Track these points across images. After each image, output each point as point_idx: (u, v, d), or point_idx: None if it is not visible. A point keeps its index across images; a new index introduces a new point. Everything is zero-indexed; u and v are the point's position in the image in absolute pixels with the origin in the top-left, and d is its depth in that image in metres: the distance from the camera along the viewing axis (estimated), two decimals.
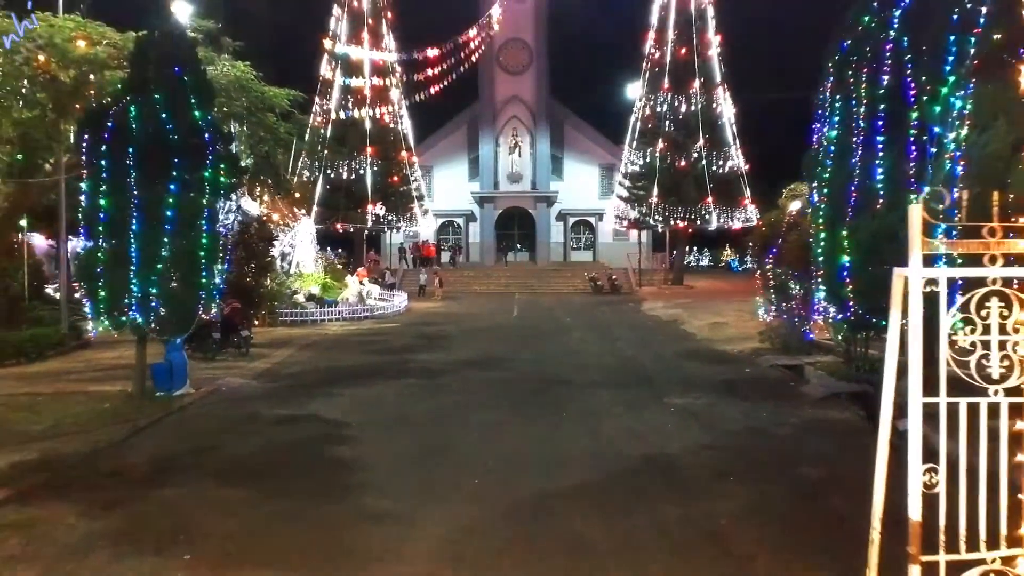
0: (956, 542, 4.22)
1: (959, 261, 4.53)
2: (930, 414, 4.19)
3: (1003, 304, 4.10)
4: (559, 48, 61.13)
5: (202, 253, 14.60)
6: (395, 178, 47.58)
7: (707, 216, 45.11)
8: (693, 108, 45.16)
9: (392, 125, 46.97)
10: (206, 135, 14.71)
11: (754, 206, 45.68)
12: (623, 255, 53.30)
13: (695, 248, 65.77)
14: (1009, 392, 4.10)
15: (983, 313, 4.10)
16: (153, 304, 14.23)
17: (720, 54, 46.18)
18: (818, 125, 13.59)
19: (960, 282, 4.31)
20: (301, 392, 15.73)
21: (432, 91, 44.75)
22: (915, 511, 4.15)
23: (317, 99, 44.33)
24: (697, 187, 44.70)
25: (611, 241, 59.39)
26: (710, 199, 44.61)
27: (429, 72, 44.84)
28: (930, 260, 4.19)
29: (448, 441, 11.89)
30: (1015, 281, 4.06)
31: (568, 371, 18.18)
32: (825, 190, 12.97)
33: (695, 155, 44.82)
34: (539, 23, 58.50)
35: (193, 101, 14.74)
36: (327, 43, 45.79)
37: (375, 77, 45.33)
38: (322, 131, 40.81)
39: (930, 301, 4.16)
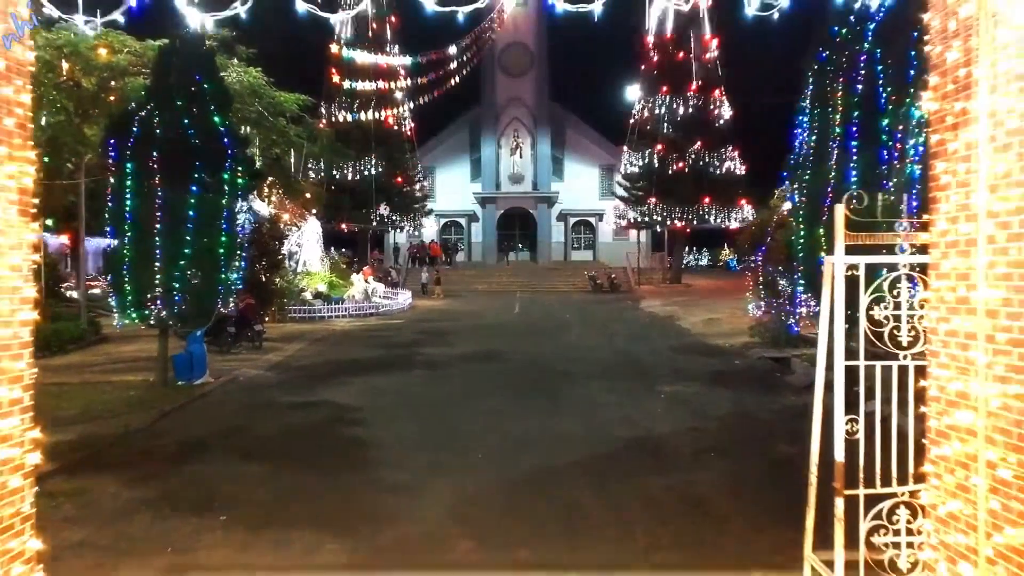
0: (874, 480, 5.16)
1: (883, 251, 5.44)
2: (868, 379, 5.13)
3: (911, 284, 5.03)
4: (560, 51, 62.16)
5: (221, 251, 15.54)
6: (399, 179, 48.57)
7: (704, 216, 46.05)
8: (690, 110, 46.12)
9: (396, 128, 47.99)
10: (224, 139, 15.65)
11: (751, 206, 46.58)
12: (623, 255, 54.26)
13: (694, 248, 66.70)
14: (915, 356, 5.02)
15: (895, 292, 5.03)
16: (176, 298, 15.16)
17: (717, 57, 47.13)
18: (799, 131, 14.50)
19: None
20: (314, 382, 16.67)
21: (435, 94, 45.65)
22: (839, 454, 5.08)
23: (323, 102, 45.32)
24: (694, 188, 45.62)
25: (611, 241, 60.35)
26: (707, 199, 45.53)
27: (432, 75, 45.75)
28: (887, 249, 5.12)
29: (453, 424, 12.83)
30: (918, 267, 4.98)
31: (566, 363, 19.10)
32: (804, 191, 13.88)
33: (692, 156, 45.75)
34: (540, 27, 59.51)
35: (212, 107, 15.68)
36: (334, 47, 46.70)
37: (380, 80, 46.24)
38: (328, 134, 41.72)
39: (855, 283, 5.08)
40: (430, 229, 57.79)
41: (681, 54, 46.55)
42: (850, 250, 5.03)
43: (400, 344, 23.14)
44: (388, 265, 51.51)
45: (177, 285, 15.09)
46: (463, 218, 63.23)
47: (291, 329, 26.34)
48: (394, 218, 48.80)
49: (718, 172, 46.00)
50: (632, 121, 48.60)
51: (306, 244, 35.11)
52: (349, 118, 43.80)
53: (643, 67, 48.57)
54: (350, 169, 45.10)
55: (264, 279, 24.19)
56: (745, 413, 13.46)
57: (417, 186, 50.44)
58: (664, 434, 12.02)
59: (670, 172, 46.00)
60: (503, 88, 60.05)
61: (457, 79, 46.22)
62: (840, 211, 4.98)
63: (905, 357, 5.08)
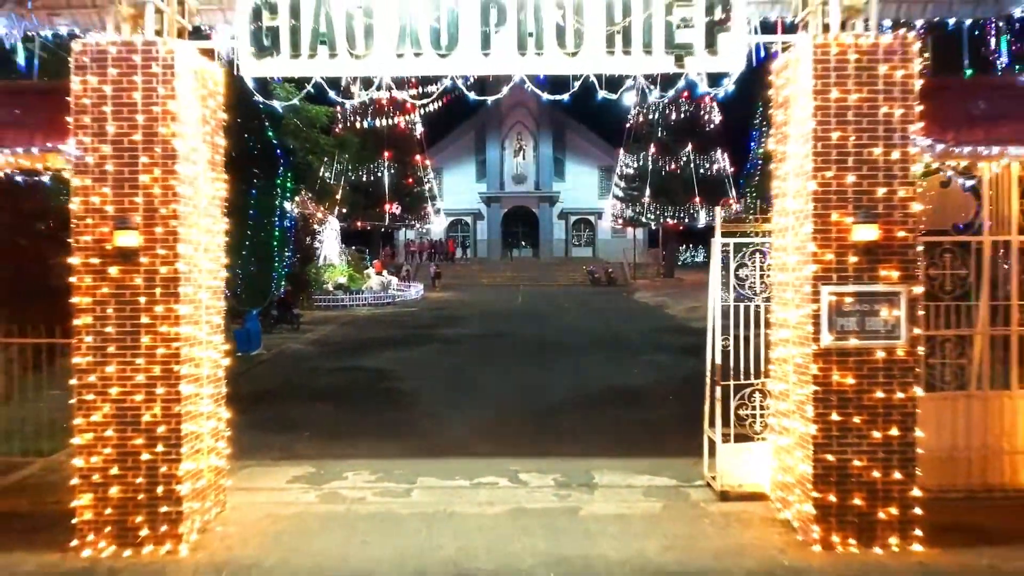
0: (739, 376, 8.33)
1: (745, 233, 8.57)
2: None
3: (762, 255, 8.19)
4: None
5: (274, 243, 18.78)
6: (410, 180, 51.73)
7: (695, 215, 49.08)
8: (682, 115, 49.16)
9: (408, 132, 51.13)
10: (277, 151, 18.87)
11: (739, 205, 49.61)
12: (620, 251, 57.34)
13: (690, 245, 69.59)
14: (765, 300, 8.17)
15: (752, 260, 8.19)
16: (237, 283, 18.38)
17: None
18: (753, 144, 17.73)
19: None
20: (350, 353, 19.89)
21: (444, 101, 48.72)
22: (717, 358, 8.26)
23: (338, 110, 48.50)
24: (686, 188, 48.64)
25: (609, 238, 63.40)
26: (697, 199, 48.56)
27: (440, 83, 48.76)
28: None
29: (467, 380, 16.05)
30: (766, 244, 8.14)
31: (562, 339, 22.29)
32: (754, 193, 17.08)
33: (684, 158, 48.76)
34: None
35: (267, 124, 18.91)
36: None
37: (394, 89, 49.28)
38: (356, 143, 44.78)
39: (736, 254, 8.24)
40: (438, 226, 60.95)
41: None
42: (726, 234, 8.21)
43: (418, 326, 26.35)
44: (400, 260, 54.70)
45: (239, 271, 18.30)
46: (469, 216, 66.34)
47: (319, 315, 29.52)
48: (405, 216, 51.98)
49: (708, 174, 48.97)
50: (628, 125, 51.58)
51: (327, 240, 38.26)
52: (365, 124, 46.87)
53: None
54: (365, 171, 48.20)
55: (299, 270, 27.37)
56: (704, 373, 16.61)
57: (426, 187, 53.59)
58: (636, 386, 15.22)
59: (663, 173, 49.01)
60: (507, 93, 62.96)
61: (464, 87, 49.12)
62: (718, 211, 8.16)
63: (757, 299, 8.26)
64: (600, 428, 11.85)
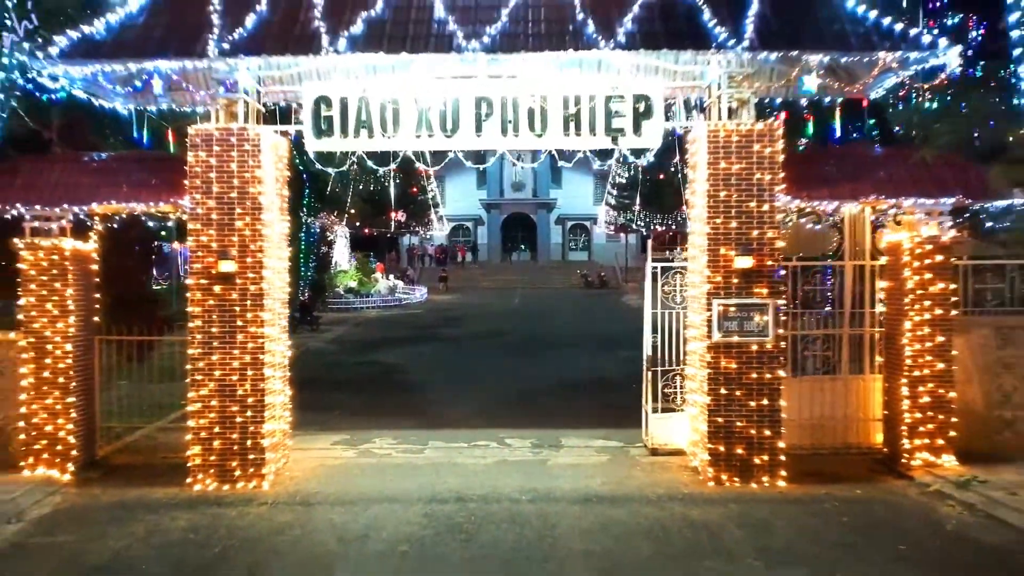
0: (666, 363, 11.33)
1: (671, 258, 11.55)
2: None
3: (682, 274, 11.19)
4: None
5: (300, 256, 21.79)
6: (414, 189, 54.71)
7: (683, 222, 52.07)
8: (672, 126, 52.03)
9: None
10: (303, 175, 21.85)
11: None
12: (614, 255, 60.31)
13: (680, 250, 72.37)
14: (682, 308, 11.17)
15: (674, 279, 11.19)
16: None
17: None
18: None
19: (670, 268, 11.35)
20: (366, 350, 22.94)
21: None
22: (648, 350, 11.27)
23: None
24: (675, 196, 51.59)
25: (604, 243, 66.35)
26: (685, 207, 51.49)
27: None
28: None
29: (469, 371, 19.09)
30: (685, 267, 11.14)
31: (552, 337, 25.30)
32: None
33: (672, 168, 51.72)
34: None
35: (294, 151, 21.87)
36: None
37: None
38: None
39: (663, 275, 11.23)
40: (441, 232, 63.98)
41: None
42: (656, 260, 11.22)
43: (423, 326, 29.40)
44: (404, 264, 57.72)
45: None
46: (470, 222, 69.37)
47: (333, 317, 32.53)
48: (410, 223, 54.99)
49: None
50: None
51: (337, 247, 41.29)
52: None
53: None
54: (373, 182, 51.20)
55: (317, 277, 30.42)
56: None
57: (430, 195, 56.56)
58: (609, 376, 18.21)
59: (652, 182, 51.94)
60: None
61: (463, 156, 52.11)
62: (649, 242, 11.18)
63: (678, 308, 11.27)
64: (573, 407, 14.86)
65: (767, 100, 11.51)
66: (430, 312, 36.18)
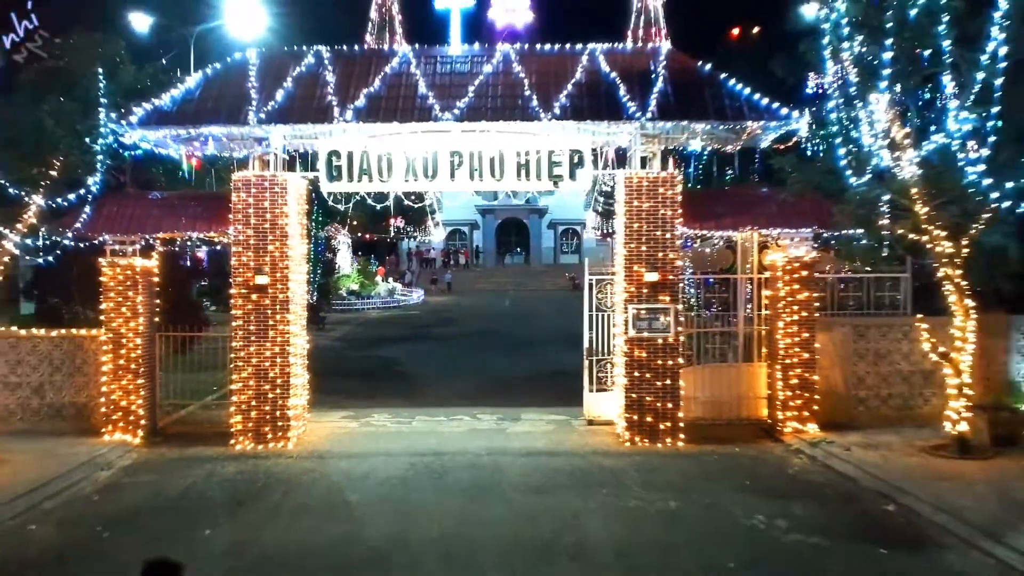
0: (600, 353, 14.56)
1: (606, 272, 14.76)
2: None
3: (611, 285, 14.42)
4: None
5: (309, 263, 24.98)
6: (413, 195, 58.13)
7: None
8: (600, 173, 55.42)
9: None
10: (313, 193, 25.06)
11: None
12: (602, 258, 63.62)
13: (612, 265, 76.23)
14: (611, 311, 14.39)
15: (606, 288, 14.42)
16: None
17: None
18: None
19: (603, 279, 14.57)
20: (367, 346, 26.20)
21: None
22: (586, 342, 14.52)
23: None
24: None
25: (594, 246, 69.46)
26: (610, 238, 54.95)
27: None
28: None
29: (457, 364, 22.36)
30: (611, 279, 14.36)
31: (534, 337, 28.53)
32: None
33: None
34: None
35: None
36: None
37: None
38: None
39: (598, 285, 14.46)
40: (438, 237, 67.29)
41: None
42: (592, 273, 14.46)
43: (420, 326, 32.68)
44: (403, 267, 61.00)
45: None
46: (466, 226, 72.63)
47: (338, 317, 35.80)
48: (409, 228, 58.29)
49: None
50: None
51: (340, 252, 44.56)
52: None
53: None
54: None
55: (323, 281, 33.68)
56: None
57: (427, 201, 59.89)
58: (573, 367, 21.27)
59: None
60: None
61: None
62: (587, 262, 14.44)
63: (608, 311, 14.51)
64: (538, 392, 18.08)
65: (684, 150, 14.76)
66: (426, 313, 39.42)
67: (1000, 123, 9.94)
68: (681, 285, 18.00)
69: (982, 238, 10.67)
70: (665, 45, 14.12)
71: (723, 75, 13.19)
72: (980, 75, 9.94)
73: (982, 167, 10.04)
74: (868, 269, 14.86)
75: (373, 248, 59.00)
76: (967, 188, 10.22)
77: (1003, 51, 9.86)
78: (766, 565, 8.50)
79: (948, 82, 10.18)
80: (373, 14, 45.80)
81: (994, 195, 10.08)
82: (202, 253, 24.81)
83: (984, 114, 9.99)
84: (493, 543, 9.09)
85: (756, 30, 38.83)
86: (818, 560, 8.61)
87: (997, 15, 9.86)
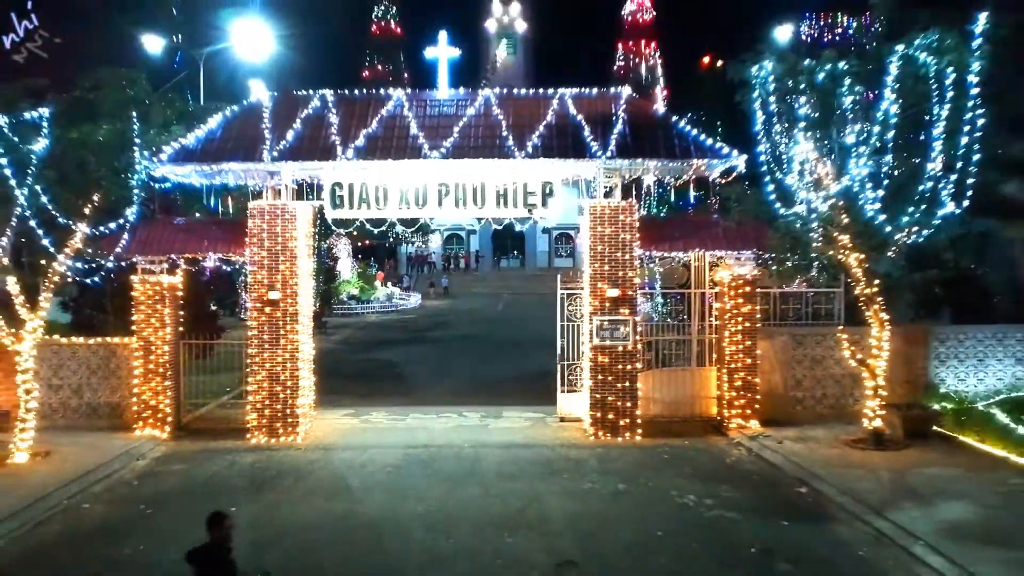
0: (570, 358, 16.55)
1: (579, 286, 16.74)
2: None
3: (580, 298, 16.40)
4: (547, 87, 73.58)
5: (313, 270, 26.95)
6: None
7: None
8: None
9: None
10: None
11: None
12: None
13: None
14: (581, 321, 16.37)
15: (575, 300, 16.40)
16: None
17: (665, 107, 58.56)
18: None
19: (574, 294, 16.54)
20: (367, 349, 28.22)
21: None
22: (559, 349, 16.52)
23: None
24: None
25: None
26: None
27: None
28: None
29: (446, 367, 24.36)
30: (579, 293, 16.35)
31: (522, 340, 30.47)
32: None
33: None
34: (528, 71, 70.99)
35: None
36: None
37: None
38: None
39: (568, 298, 16.45)
40: (435, 242, 69.36)
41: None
42: (564, 287, 16.45)
43: (415, 330, 34.69)
44: (401, 271, 63.03)
45: None
46: (463, 232, 74.65)
47: (339, 321, 37.80)
48: (407, 234, 60.30)
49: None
50: None
51: (341, 258, 46.51)
52: None
53: None
54: None
55: (325, 287, 35.66)
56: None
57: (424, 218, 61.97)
58: (553, 369, 23.44)
59: None
60: None
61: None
62: (559, 277, 16.44)
63: (578, 321, 16.50)
64: (520, 391, 20.04)
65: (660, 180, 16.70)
66: (422, 317, 41.41)
67: (893, 169, 11.93)
68: (655, 297, 20.09)
69: (874, 266, 12.66)
70: (625, 90, 16.08)
71: (674, 118, 15.22)
72: (876, 128, 11.93)
73: (878, 205, 12.05)
74: (807, 284, 16.88)
75: (373, 252, 61.01)
76: (868, 223, 12.21)
77: (894, 109, 11.86)
78: (687, 532, 10.51)
79: (850, 133, 12.16)
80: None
81: (888, 229, 12.08)
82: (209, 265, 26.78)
83: (879, 161, 11.98)
84: (468, 517, 11.10)
85: (720, 63, 40.87)
86: (729, 529, 10.63)
87: (889, 79, 11.85)
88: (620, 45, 61.55)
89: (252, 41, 34.68)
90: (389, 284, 49.88)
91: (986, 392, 15.96)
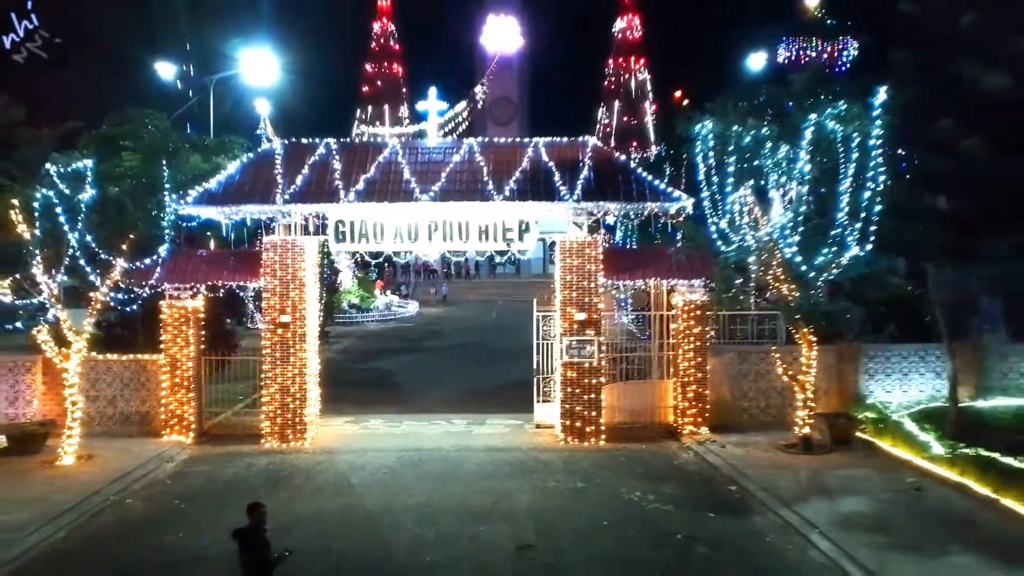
0: (545, 372, 18.81)
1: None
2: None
3: (552, 320, 18.66)
4: (539, 103, 75.83)
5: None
6: None
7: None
8: (632, 159, 60.02)
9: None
10: None
11: None
12: None
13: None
14: (554, 339, 18.63)
15: (549, 322, 18.67)
16: None
17: (655, 119, 60.92)
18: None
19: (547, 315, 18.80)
20: (366, 359, 30.51)
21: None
22: (535, 364, 18.79)
23: None
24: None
25: None
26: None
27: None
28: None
29: (441, 375, 26.67)
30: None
31: (511, 348, 32.62)
32: None
33: None
34: (523, 85, 73.34)
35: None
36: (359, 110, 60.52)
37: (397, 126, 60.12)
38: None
39: (543, 320, 18.72)
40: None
41: (626, 118, 60.39)
42: (539, 310, 18.72)
43: (412, 339, 36.98)
44: (400, 279, 65.30)
45: None
46: None
47: (340, 331, 40.01)
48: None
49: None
50: None
51: (342, 269, 48.71)
52: None
53: (597, 128, 62.47)
54: None
55: (327, 298, 37.88)
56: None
57: None
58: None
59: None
60: (492, 135, 73.88)
61: (456, 132, 59.86)
62: (534, 301, 18.72)
63: (552, 340, 18.77)
64: (503, 400, 22.28)
65: (628, 214, 18.96)
66: (419, 326, 43.69)
67: (808, 217, 14.22)
68: (626, 317, 22.37)
69: (790, 303, 14.96)
70: (592, 139, 18.38)
71: (632, 164, 17.49)
72: (793, 184, 14.22)
73: (795, 248, 14.34)
74: (752, 307, 19.17)
75: (374, 257, 63.23)
76: (787, 263, 14.50)
77: (807, 168, 14.15)
78: (627, 522, 12.79)
79: (772, 188, 14.46)
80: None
81: (803, 268, 14.37)
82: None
83: (796, 210, 14.27)
84: (450, 510, 13.38)
85: (685, 102, 43.23)
86: (663, 520, 12.92)
87: (804, 143, 14.15)
88: (611, 61, 63.91)
89: (258, 67, 37.00)
90: (388, 292, 52.09)
91: (909, 403, 18.20)
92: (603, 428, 17.62)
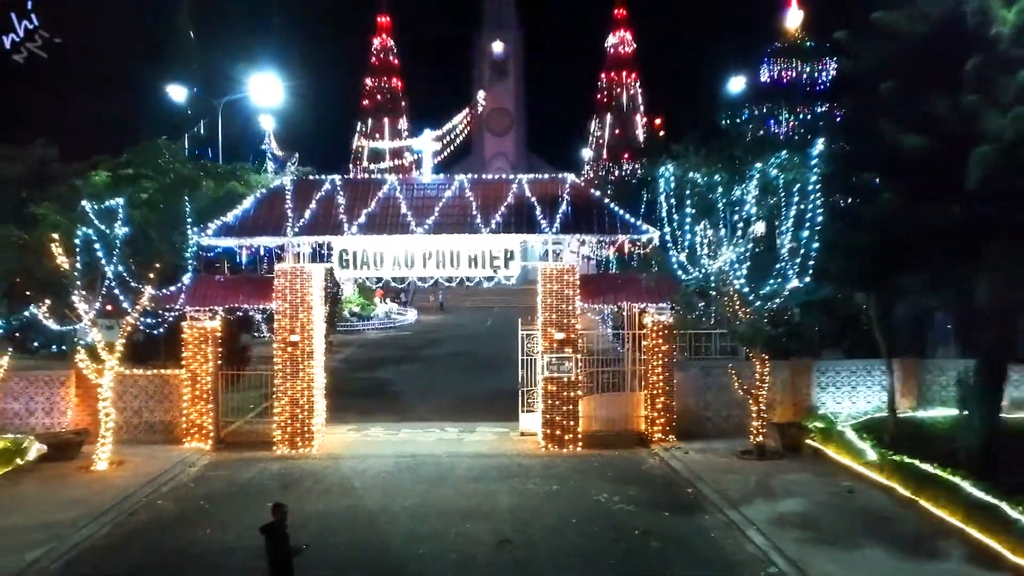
0: (529, 385, 20.82)
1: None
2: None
3: (535, 337, 20.66)
4: (535, 113, 77.90)
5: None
6: None
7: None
8: (625, 172, 61.90)
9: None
10: None
11: None
12: None
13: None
14: (539, 355, 20.63)
15: (532, 340, 20.68)
16: None
17: (647, 129, 62.90)
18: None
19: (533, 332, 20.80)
20: (367, 368, 32.54)
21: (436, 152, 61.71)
22: (520, 378, 20.80)
23: (351, 165, 61.29)
24: None
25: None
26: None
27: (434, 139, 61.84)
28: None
29: (434, 385, 28.70)
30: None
31: (502, 357, 34.49)
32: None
33: None
34: (519, 95, 75.40)
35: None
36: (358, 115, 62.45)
37: (396, 139, 62.15)
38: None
39: (527, 338, 20.73)
40: None
41: (618, 131, 62.41)
42: (524, 328, 20.74)
43: (410, 347, 39.02)
44: (398, 288, 67.47)
45: None
46: None
47: (342, 339, 42.05)
48: None
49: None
50: (583, 178, 64.48)
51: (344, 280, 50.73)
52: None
53: (591, 139, 64.52)
54: None
55: (330, 309, 39.87)
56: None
57: None
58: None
59: None
60: (489, 145, 76.14)
61: (453, 143, 61.93)
62: (519, 322, 20.74)
63: (535, 356, 20.79)
64: (493, 409, 24.25)
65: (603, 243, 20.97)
66: (417, 334, 45.74)
67: (755, 252, 16.26)
68: (609, 329, 24.30)
69: (738, 328, 17.01)
70: (570, 176, 20.48)
71: (605, 200, 19.53)
72: (740, 224, 16.25)
73: (743, 279, 16.38)
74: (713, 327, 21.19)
75: None
76: (738, 292, 16.54)
77: (755, 209, 16.18)
78: (593, 520, 14.81)
79: (722, 226, 16.50)
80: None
81: (751, 297, 16.41)
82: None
83: (744, 247, 16.32)
84: (440, 509, 15.40)
85: (662, 133, 45.19)
86: (625, 517, 14.93)
87: (751, 185, 16.18)
88: (603, 75, 65.99)
89: (264, 88, 39.03)
90: (388, 300, 54.11)
91: (856, 414, 20.22)
92: (580, 436, 19.62)
